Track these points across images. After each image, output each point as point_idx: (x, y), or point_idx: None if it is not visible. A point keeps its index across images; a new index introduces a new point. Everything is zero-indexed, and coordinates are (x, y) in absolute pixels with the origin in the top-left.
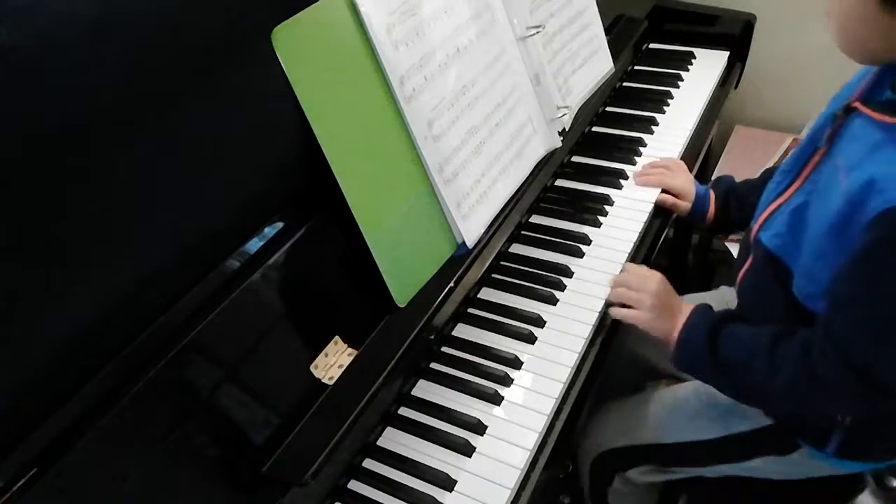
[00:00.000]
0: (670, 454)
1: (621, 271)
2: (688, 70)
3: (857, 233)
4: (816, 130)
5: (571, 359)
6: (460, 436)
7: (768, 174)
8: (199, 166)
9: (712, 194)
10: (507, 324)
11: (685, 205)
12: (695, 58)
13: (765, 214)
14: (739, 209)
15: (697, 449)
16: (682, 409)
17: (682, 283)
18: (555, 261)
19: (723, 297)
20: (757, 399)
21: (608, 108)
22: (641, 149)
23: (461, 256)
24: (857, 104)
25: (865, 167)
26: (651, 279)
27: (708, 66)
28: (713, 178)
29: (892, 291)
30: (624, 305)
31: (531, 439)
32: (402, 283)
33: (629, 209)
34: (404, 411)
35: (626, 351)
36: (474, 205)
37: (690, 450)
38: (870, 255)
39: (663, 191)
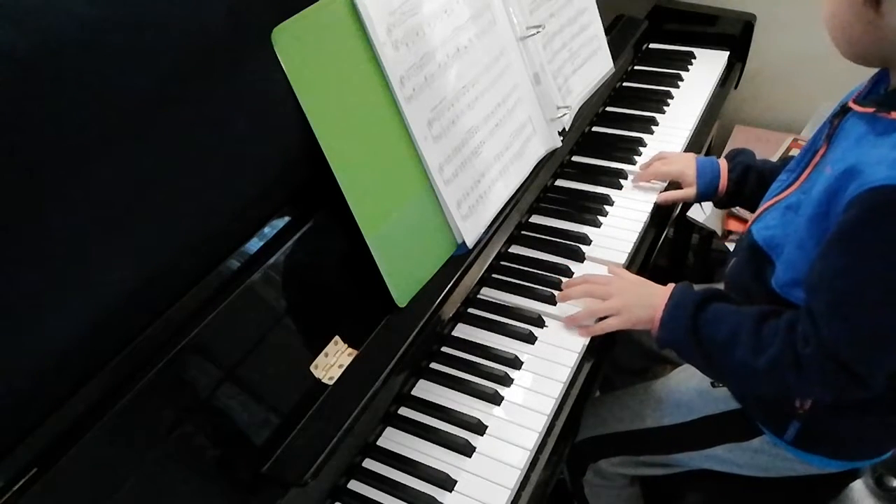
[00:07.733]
0: (635, 442)
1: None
2: (688, 70)
3: (836, 217)
4: (819, 132)
5: (571, 359)
6: (460, 436)
7: (788, 161)
8: (198, 167)
9: (724, 165)
10: (507, 324)
11: (689, 191)
12: (695, 58)
13: (760, 210)
14: (759, 186)
15: (661, 435)
16: (649, 398)
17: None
18: (555, 261)
19: None
20: (737, 378)
21: (608, 108)
22: (641, 149)
23: (461, 256)
24: (850, 104)
25: (848, 158)
26: (613, 281)
27: (708, 66)
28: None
29: (863, 272)
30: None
31: (531, 439)
32: (402, 283)
33: (629, 209)
34: (404, 411)
35: (628, 337)
36: (474, 205)
37: (654, 436)
38: (842, 235)
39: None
